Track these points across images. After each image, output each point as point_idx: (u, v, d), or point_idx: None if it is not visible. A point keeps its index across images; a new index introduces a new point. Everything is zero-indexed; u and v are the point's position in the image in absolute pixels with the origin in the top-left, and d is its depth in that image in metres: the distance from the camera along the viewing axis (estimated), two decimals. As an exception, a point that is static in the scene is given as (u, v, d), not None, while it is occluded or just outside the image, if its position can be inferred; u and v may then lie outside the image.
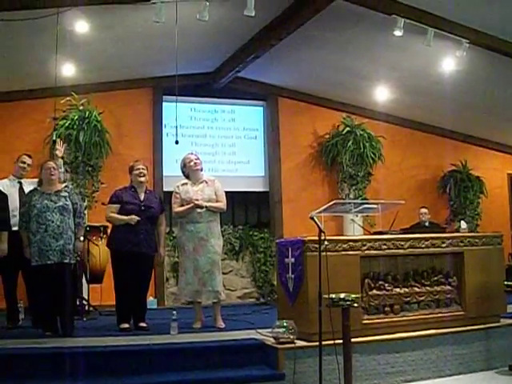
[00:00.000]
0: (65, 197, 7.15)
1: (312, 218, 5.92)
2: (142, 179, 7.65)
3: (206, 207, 7.51)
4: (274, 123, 11.98)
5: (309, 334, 6.20)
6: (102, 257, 8.90)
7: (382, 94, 11.36)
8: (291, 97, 12.09)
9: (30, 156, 8.31)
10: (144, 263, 7.49)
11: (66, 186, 7.37)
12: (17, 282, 7.94)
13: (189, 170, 7.80)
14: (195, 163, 7.76)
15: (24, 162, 8.17)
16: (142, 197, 7.60)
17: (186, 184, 7.75)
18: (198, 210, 7.49)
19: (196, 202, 7.48)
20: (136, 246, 7.35)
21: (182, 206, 7.59)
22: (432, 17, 8.52)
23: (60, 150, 8.05)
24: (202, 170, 7.86)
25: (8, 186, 7.91)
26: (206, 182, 7.75)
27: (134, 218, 7.36)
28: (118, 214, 7.48)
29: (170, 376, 5.92)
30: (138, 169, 7.67)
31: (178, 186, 7.77)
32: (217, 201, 7.65)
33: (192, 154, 7.97)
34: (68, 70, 9.40)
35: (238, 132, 11.97)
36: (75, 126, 9.98)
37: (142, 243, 7.39)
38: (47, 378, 5.69)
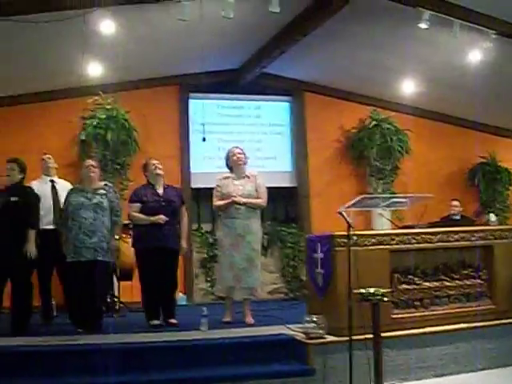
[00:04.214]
0: (101, 194, 7.24)
1: (340, 213, 5.92)
2: (159, 171, 7.63)
3: (244, 204, 7.51)
4: (301, 118, 11.96)
5: (339, 329, 6.17)
6: (131, 254, 8.93)
7: (408, 87, 11.30)
8: (317, 91, 12.05)
9: (45, 153, 8.43)
10: (170, 258, 7.49)
11: (105, 184, 7.46)
12: (51, 280, 8.03)
13: (232, 164, 7.79)
14: (238, 157, 7.74)
15: (43, 159, 8.34)
16: (160, 192, 7.60)
17: (228, 178, 7.74)
18: (236, 206, 7.48)
19: (234, 199, 7.47)
20: (160, 241, 7.35)
21: (223, 199, 7.60)
22: (458, 8, 8.45)
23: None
24: (245, 164, 7.81)
25: (38, 186, 7.97)
26: (248, 177, 7.71)
27: (162, 217, 7.36)
28: (140, 212, 7.49)
29: (200, 371, 5.94)
30: (153, 164, 7.67)
31: (219, 179, 7.77)
32: (257, 197, 7.62)
33: (237, 147, 7.90)
34: (95, 70, 9.45)
35: (264, 128, 11.94)
36: (103, 125, 10.06)
37: (166, 238, 7.39)
38: (78, 375, 5.73)
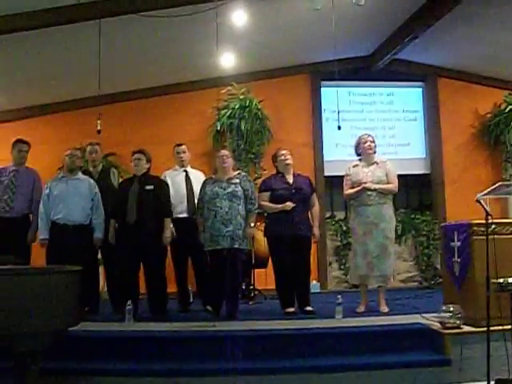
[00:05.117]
0: (235, 183, 7.38)
1: (478, 201, 5.80)
2: (289, 161, 7.70)
3: (375, 189, 7.49)
4: (434, 104, 11.73)
5: (476, 320, 6.09)
6: (266, 242, 9.05)
7: (546, 69, 10.92)
8: (450, 76, 11.78)
9: (180, 145, 8.57)
10: (301, 244, 7.52)
11: (238, 173, 7.61)
12: (187, 267, 8.26)
13: (362, 150, 7.78)
14: (369, 145, 7.72)
15: (178, 152, 8.49)
16: (290, 180, 7.66)
17: (357, 165, 7.75)
18: (368, 193, 7.47)
19: (364, 185, 7.48)
20: (292, 229, 7.41)
21: (353, 187, 7.61)
22: None
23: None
24: (375, 152, 7.79)
25: (171, 176, 8.25)
26: (377, 164, 7.69)
27: (289, 204, 7.43)
28: (270, 201, 7.59)
29: (334, 359, 6.01)
30: (283, 154, 7.74)
31: (349, 168, 7.79)
32: (387, 183, 7.58)
33: (368, 135, 7.88)
34: (227, 61, 9.58)
35: (397, 114, 11.80)
36: (236, 115, 10.24)
37: (297, 225, 7.44)
38: (214, 360, 5.96)
